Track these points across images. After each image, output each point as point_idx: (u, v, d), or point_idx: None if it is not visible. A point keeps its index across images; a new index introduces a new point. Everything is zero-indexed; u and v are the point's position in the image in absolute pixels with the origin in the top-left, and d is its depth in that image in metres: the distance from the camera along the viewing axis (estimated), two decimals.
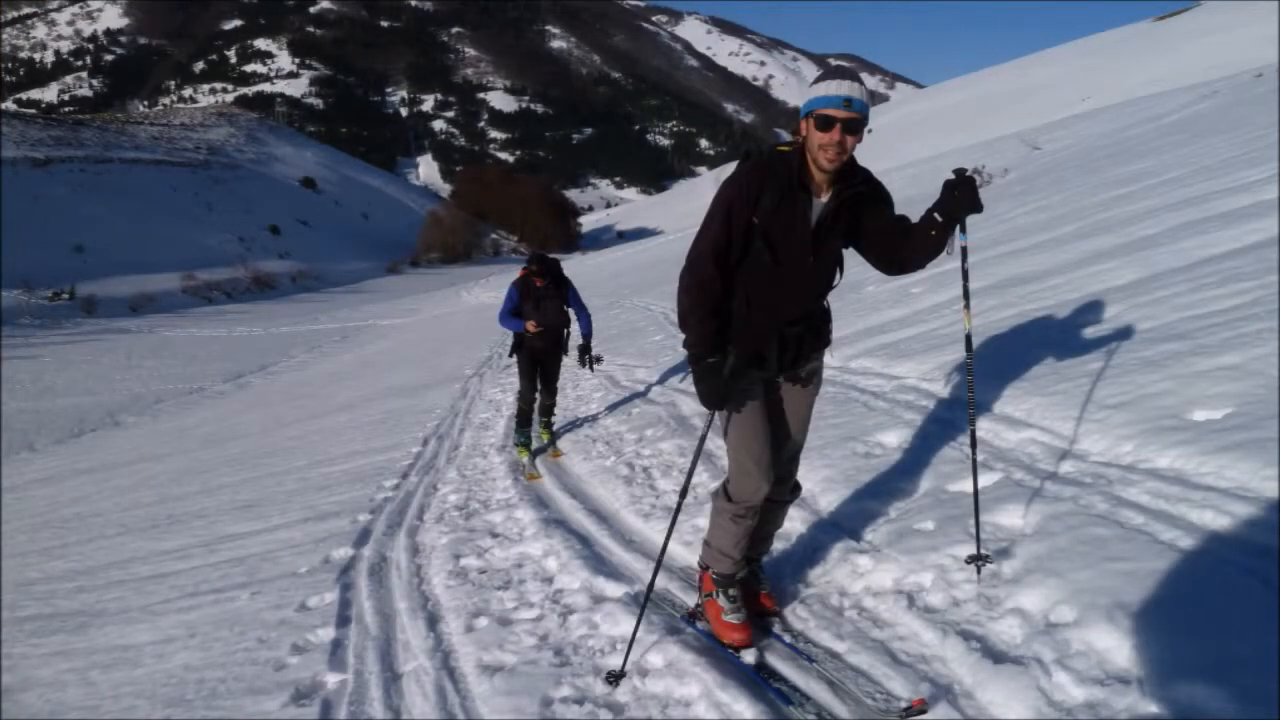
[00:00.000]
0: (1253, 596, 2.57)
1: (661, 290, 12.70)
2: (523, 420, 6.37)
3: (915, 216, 2.64)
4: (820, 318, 2.94)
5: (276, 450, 7.81)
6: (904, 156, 32.62)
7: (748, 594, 3.15)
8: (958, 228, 2.61)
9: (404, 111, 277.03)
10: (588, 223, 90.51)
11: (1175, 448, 3.47)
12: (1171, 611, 2.65)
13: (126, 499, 6.51)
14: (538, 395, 6.43)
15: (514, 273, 6.61)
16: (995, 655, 2.65)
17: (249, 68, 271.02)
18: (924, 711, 2.47)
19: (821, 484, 4.26)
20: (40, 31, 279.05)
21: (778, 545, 3.56)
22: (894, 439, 4.62)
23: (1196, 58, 38.99)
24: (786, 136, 2.70)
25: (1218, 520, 2.95)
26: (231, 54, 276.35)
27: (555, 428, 6.65)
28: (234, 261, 40.68)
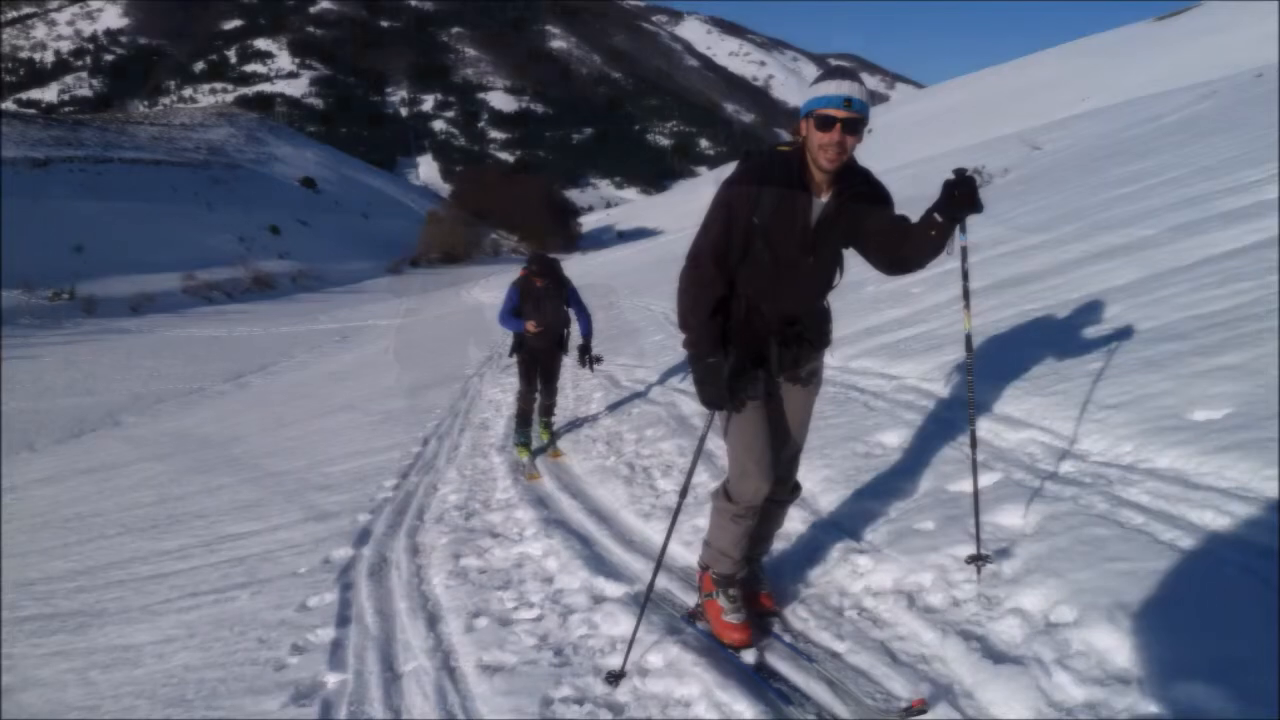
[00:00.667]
0: (1253, 596, 2.57)
1: (662, 290, 12.72)
2: (523, 420, 6.37)
3: (916, 216, 2.64)
4: (820, 317, 2.94)
5: (277, 450, 7.81)
6: (904, 156, 32.63)
7: (748, 594, 3.15)
8: (958, 228, 2.61)
9: (404, 111, 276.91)
10: (588, 222, 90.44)
11: (1175, 447, 3.47)
12: (1171, 611, 2.65)
13: (127, 499, 6.51)
14: (537, 395, 6.43)
15: (514, 273, 6.61)
16: (995, 655, 2.66)
17: (249, 68, 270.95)
18: (924, 711, 2.47)
19: (822, 484, 4.27)
20: (40, 31, 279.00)
21: (778, 545, 3.56)
22: (894, 439, 4.62)
23: (1197, 57, 38.99)
24: (787, 136, 2.70)
25: (1218, 520, 2.96)
26: (231, 54, 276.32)
27: (555, 428, 6.65)
28: (234, 261, 40.67)
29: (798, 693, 2.69)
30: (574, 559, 3.93)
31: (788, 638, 3.04)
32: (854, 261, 2.86)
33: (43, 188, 40.23)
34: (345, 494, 5.86)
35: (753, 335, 2.77)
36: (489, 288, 31.58)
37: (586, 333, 6.37)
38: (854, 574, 3.36)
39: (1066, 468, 3.64)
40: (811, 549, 3.64)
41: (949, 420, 4.57)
